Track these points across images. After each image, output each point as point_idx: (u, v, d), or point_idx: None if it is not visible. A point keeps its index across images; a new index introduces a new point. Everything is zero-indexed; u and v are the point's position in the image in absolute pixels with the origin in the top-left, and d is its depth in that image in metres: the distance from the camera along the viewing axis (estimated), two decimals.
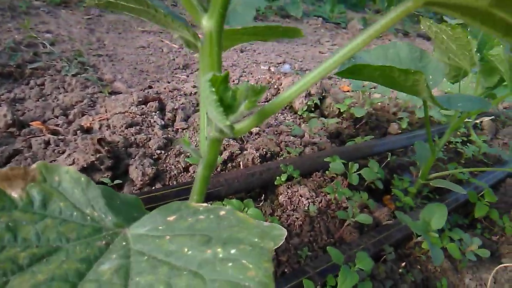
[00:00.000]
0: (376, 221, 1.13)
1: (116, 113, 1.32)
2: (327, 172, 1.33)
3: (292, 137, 1.63)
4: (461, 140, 2.05)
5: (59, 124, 1.34)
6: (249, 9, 3.28)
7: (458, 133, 2.20)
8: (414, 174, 1.71)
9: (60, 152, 1.13)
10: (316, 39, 4.35)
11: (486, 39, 1.28)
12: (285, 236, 0.58)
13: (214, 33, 0.44)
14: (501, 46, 1.22)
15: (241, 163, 1.25)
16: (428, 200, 1.52)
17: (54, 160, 1.09)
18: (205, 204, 0.42)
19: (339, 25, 5.37)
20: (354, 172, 1.20)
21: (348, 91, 2.52)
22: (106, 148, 1.06)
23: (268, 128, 1.65)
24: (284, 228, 0.59)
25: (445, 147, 2.12)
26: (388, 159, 1.62)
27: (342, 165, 1.19)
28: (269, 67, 2.44)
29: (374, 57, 1.38)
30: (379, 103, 2.30)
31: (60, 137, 1.22)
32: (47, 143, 1.17)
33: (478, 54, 1.27)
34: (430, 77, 1.35)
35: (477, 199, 1.42)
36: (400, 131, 2.11)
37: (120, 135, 1.19)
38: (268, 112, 0.45)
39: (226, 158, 1.24)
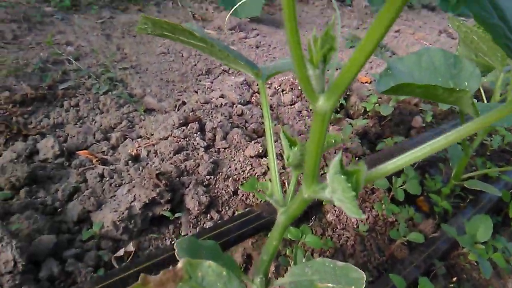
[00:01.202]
0: (422, 234, 1.18)
1: (161, 138, 1.35)
2: (368, 184, 1.37)
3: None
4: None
5: (104, 151, 1.38)
6: (258, 0, 3.23)
7: None
8: (444, 172, 1.75)
9: (117, 185, 1.18)
10: (325, 22, 4.29)
11: None
12: (365, 279, 0.64)
13: (328, 113, 0.45)
14: None
15: (285, 181, 1.30)
16: (461, 200, 1.57)
17: (114, 195, 1.13)
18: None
19: (344, 2, 5.25)
20: (399, 186, 1.24)
21: (367, 82, 2.53)
22: (164, 181, 1.11)
23: (300, 135, 1.68)
24: (361, 271, 0.64)
25: (468, 138, 2.15)
26: (420, 160, 1.66)
27: (386, 179, 1.23)
28: None
29: (408, 65, 1.39)
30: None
31: (112, 167, 1.26)
32: (102, 175, 1.21)
33: None
34: (466, 83, 1.36)
35: (511, 198, 1.47)
36: (424, 124, 2.14)
37: (171, 163, 1.23)
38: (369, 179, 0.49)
39: None
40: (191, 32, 0.65)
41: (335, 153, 1.57)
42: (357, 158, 1.57)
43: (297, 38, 0.41)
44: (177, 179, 1.19)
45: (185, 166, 1.24)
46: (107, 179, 1.21)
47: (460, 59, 1.34)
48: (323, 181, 0.52)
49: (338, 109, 2.01)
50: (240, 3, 3.06)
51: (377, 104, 2.00)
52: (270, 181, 0.72)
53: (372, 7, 5.05)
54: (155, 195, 1.07)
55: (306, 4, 4.83)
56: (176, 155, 1.28)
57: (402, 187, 1.24)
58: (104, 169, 1.24)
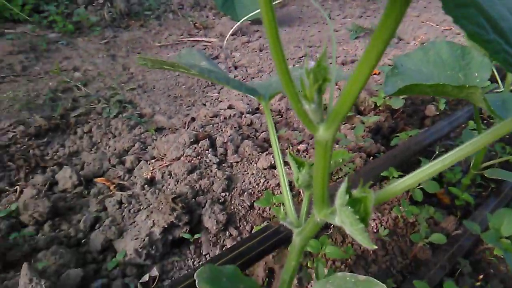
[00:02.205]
0: (444, 232, 1.17)
1: (173, 159, 1.37)
2: (385, 184, 1.36)
3: (336, 145, 1.65)
4: None
5: (121, 176, 1.40)
6: (256, 1, 3.21)
7: None
8: (462, 161, 1.72)
9: (135, 211, 1.20)
10: (326, 15, 4.24)
11: None
12: None
13: (330, 142, 0.44)
14: None
15: (300, 190, 1.29)
16: (483, 189, 1.54)
17: (133, 222, 1.16)
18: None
19: None
20: (416, 186, 1.22)
21: (375, 74, 2.49)
22: (180, 204, 1.12)
23: (311, 139, 1.67)
24: (382, 284, 0.64)
25: (485, 121, 2.10)
26: (437, 152, 1.63)
27: None
28: (294, 65, 2.43)
29: (415, 61, 1.36)
30: None
31: (129, 192, 1.28)
32: (120, 202, 1.24)
33: None
34: (476, 74, 1.33)
35: None
36: (438, 112, 2.10)
37: (186, 184, 1.25)
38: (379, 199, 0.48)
39: None
40: (187, 69, 0.65)
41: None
42: (371, 158, 1.55)
43: (288, 77, 0.41)
44: (193, 199, 1.20)
45: (200, 186, 1.25)
46: (126, 205, 1.23)
47: (468, 49, 1.31)
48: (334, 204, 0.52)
49: None
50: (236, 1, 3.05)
51: (388, 98, 1.97)
52: (284, 204, 0.72)
53: None
54: (173, 219, 1.09)
55: None
56: (190, 175, 1.29)
57: (419, 186, 1.22)
58: (122, 195, 1.27)
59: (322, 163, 0.48)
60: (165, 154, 1.44)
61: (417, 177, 0.46)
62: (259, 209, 1.24)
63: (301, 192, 1.29)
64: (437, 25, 3.63)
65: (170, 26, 3.17)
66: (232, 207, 1.23)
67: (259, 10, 2.90)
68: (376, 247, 0.43)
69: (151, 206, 1.18)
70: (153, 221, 1.11)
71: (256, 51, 2.69)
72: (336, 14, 4.15)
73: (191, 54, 0.95)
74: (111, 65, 2.32)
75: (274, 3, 4.15)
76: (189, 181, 1.27)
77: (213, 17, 3.44)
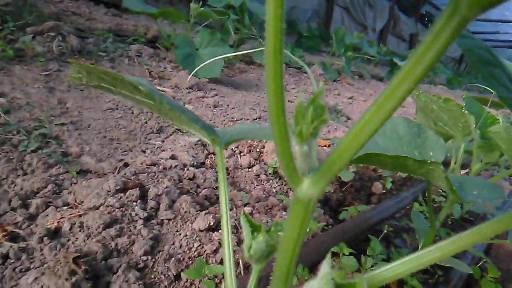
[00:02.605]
0: None
1: (90, 208, 1.12)
2: (334, 261, 1.21)
3: (284, 212, 1.51)
4: (444, 199, 2.05)
5: (18, 223, 1.11)
6: (218, 62, 3.23)
7: (440, 190, 2.20)
8: (408, 243, 1.65)
9: (23, 270, 0.92)
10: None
11: (487, 116, 1.27)
12: None
13: (313, 201, 0.35)
14: (501, 122, 1.21)
15: (240, 261, 1.10)
16: (429, 276, 1.45)
17: (16, 285, 0.87)
18: None
19: (301, 70, 5.49)
20: (369, 268, 1.09)
21: (325, 146, 2.48)
22: (83, 267, 0.87)
23: (258, 202, 1.52)
24: None
25: (435, 207, 2.10)
26: (385, 231, 1.54)
27: (355, 260, 1.08)
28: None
29: None
30: None
31: (22, 244, 1.00)
32: (5, 256, 0.95)
33: (478, 131, 1.25)
34: (431, 153, 1.31)
35: (481, 275, 1.37)
36: (384, 191, 2.08)
37: (98, 241, 1.00)
38: None
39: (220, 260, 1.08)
40: (135, 86, 0.50)
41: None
42: (319, 231, 1.42)
43: (281, 103, 0.30)
44: (103, 262, 0.95)
45: (116, 244, 1.01)
46: (12, 261, 0.95)
47: (424, 128, 1.30)
48: None
49: None
50: (201, 65, 3.03)
51: None
52: (224, 282, 0.55)
53: (326, 75, 5.31)
54: (69, 286, 0.83)
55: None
56: (107, 229, 1.05)
57: (372, 268, 1.09)
58: (11, 247, 0.98)
59: (297, 229, 0.38)
60: (82, 201, 1.19)
61: (407, 266, 0.37)
62: (186, 281, 1.01)
63: (241, 263, 1.10)
64: None
65: (123, 71, 3.03)
66: (152, 276, 0.99)
67: (218, 70, 2.88)
68: None
69: (45, 265, 0.91)
70: (42, 286, 0.83)
71: (210, 107, 2.60)
72: (292, 87, 4.31)
73: (140, 83, 0.80)
74: (46, 97, 2.07)
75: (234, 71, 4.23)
76: (104, 237, 1.02)
77: (171, 70, 3.37)
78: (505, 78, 0.34)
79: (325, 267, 0.35)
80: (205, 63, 2.81)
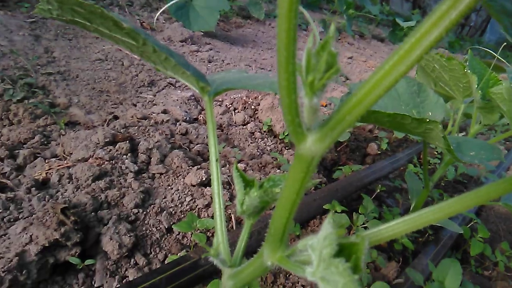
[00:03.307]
0: (385, 279, 1.03)
1: (79, 159, 1.09)
2: (324, 218, 1.22)
3: (278, 170, 1.50)
4: (439, 161, 2.05)
5: (6, 173, 1.08)
6: (213, 13, 3.07)
7: (435, 152, 2.20)
8: (401, 203, 1.66)
9: (12, 220, 0.90)
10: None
11: (489, 77, 1.22)
12: None
13: (316, 159, 0.32)
14: (503, 84, 1.17)
15: (232, 216, 1.09)
16: (420, 235, 1.47)
17: (5, 234, 0.85)
18: None
19: (300, 27, 5.30)
20: (361, 225, 1.09)
21: (322, 105, 2.44)
22: (72, 218, 0.85)
23: (251, 160, 1.50)
24: None
25: (429, 168, 2.11)
26: (378, 190, 1.55)
27: (347, 217, 1.08)
28: None
29: None
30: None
31: (10, 195, 0.97)
32: None
33: (480, 91, 1.21)
34: (430, 113, 1.27)
35: (471, 235, 1.40)
36: (380, 152, 2.07)
37: (87, 193, 0.97)
38: None
39: None
40: (116, 21, 0.44)
41: None
42: (312, 189, 1.41)
43: (292, 47, 0.26)
44: (93, 213, 0.93)
45: (106, 197, 0.99)
46: (0, 211, 0.93)
47: (424, 87, 1.25)
48: (293, 245, 0.38)
49: None
50: (191, 13, 2.88)
51: None
52: (215, 235, 0.53)
53: (326, 34, 5.15)
54: (57, 236, 0.81)
55: (263, 24, 4.79)
56: (96, 181, 1.02)
57: (364, 225, 1.09)
58: None
59: (296, 187, 0.34)
60: (71, 153, 1.16)
61: (405, 226, 0.35)
62: (178, 234, 1.01)
63: (233, 218, 1.09)
64: None
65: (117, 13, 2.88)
66: (144, 228, 0.98)
67: (213, 23, 2.73)
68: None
69: (33, 216, 0.89)
70: (31, 236, 0.82)
71: (204, 62, 2.50)
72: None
73: (119, 17, 0.73)
74: (31, 45, 1.97)
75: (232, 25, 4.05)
76: (93, 189, 1.00)
77: (164, 21, 3.22)
78: None
79: (327, 227, 0.32)
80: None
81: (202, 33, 3.16)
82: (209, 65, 2.46)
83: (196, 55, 2.61)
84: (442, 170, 1.33)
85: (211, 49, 2.86)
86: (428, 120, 0.81)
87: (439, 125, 0.81)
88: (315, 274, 0.33)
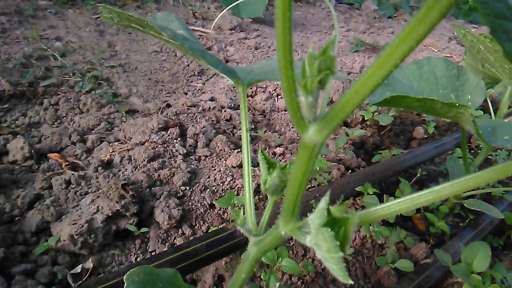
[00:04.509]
0: (413, 259, 1.08)
1: (137, 143, 1.26)
2: (358, 200, 1.27)
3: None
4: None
5: (78, 155, 1.29)
6: (261, 0, 3.13)
7: None
8: None
9: (83, 193, 1.09)
10: (330, 25, 4.18)
11: None
12: None
13: (318, 146, 0.37)
14: None
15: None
16: (461, 219, 1.46)
17: (77, 205, 1.04)
18: None
19: (353, 6, 5.13)
20: None
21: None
22: (130, 193, 1.01)
23: (291, 144, 1.58)
24: None
25: (472, 151, 2.03)
26: (418, 174, 1.55)
27: (377, 199, 1.13)
28: None
29: (407, 75, 1.29)
30: None
31: (81, 173, 1.17)
32: (68, 182, 1.13)
33: None
34: (469, 97, 1.25)
35: None
36: (426, 136, 2.02)
37: (143, 172, 1.14)
38: None
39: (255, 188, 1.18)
40: (159, 31, 0.56)
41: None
42: (349, 171, 1.46)
43: (289, 57, 0.33)
44: (148, 189, 1.09)
45: (159, 176, 1.15)
46: (74, 186, 1.12)
47: (465, 70, 1.23)
48: (304, 218, 0.44)
49: None
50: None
51: (377, 113, 1.89)
52: (245, 208, 0.63)
53: (380, 11, 4.93)
54: (119, 208, 0.98)
55: (313, 6, 4.73)
56: (151, 162, 1.18)
57: None
58: (72, 175, 1.16)
59: (302, 170, 0.40)
60: (130, 138, 1.33)
61: (404, 204, 0.41)
62: (219, 209, 1.14)
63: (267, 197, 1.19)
64: (438, 51, 3.59)
65: (168, 11, 3.06)
66: (190, 203, 1.12)
67: (261, 9, 2.78)
68: (353, 282, 0.36)
69: (100, 191, 1.07)
70: (97, 207, 1.00)
71: (251, 49, 2.60)
72: (340, 25, 4.09)
73: (169, 20, 0.84)
74: (97, 40, 2.20)
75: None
76: (148, 169, 1.16)
77: (215, 10, 3.35)
78: None
79: (322, 203, 0.40)
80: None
81: (251, 20, 3.24)
82: (255, 52, 2.55)
83: (244, 43, 2.70)
84: (484, 154, 1.31)
85: (258, 36, 2.93)
86: (457, 104, 0.84)
87: (469, 110, 0.83)
88: (311, 241, 0.41)
